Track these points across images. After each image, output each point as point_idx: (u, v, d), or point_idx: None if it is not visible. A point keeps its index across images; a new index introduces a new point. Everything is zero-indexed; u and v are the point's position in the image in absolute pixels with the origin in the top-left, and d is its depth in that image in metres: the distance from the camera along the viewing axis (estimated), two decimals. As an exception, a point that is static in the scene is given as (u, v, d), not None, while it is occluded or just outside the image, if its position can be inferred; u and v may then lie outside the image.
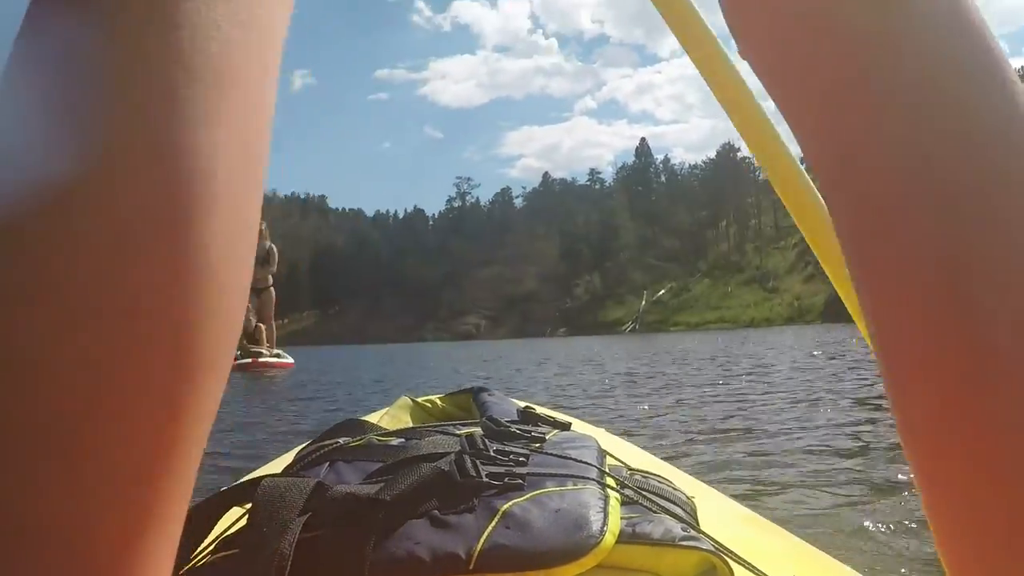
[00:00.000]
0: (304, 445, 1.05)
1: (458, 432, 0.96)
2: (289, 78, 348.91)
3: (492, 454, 0.89)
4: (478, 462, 0.85)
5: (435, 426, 1.06)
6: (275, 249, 18.60)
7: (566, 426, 1.10)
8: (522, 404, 1.37)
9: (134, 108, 0.43)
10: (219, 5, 0.46)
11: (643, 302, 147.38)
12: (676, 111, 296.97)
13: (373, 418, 1.39)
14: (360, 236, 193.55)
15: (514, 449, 0.92)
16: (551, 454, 0.92)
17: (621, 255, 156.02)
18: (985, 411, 0.43)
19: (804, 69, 0.50)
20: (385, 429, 1.07)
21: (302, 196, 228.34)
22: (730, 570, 0.81)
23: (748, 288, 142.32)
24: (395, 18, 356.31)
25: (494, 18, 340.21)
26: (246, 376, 14.68)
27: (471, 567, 0.74)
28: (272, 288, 19.14)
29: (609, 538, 0.77)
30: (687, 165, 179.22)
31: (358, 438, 0.98)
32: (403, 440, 0.97)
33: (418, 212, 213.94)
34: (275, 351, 18.63)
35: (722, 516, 1.20)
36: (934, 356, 0.45)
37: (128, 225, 0.42)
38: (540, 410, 1.21)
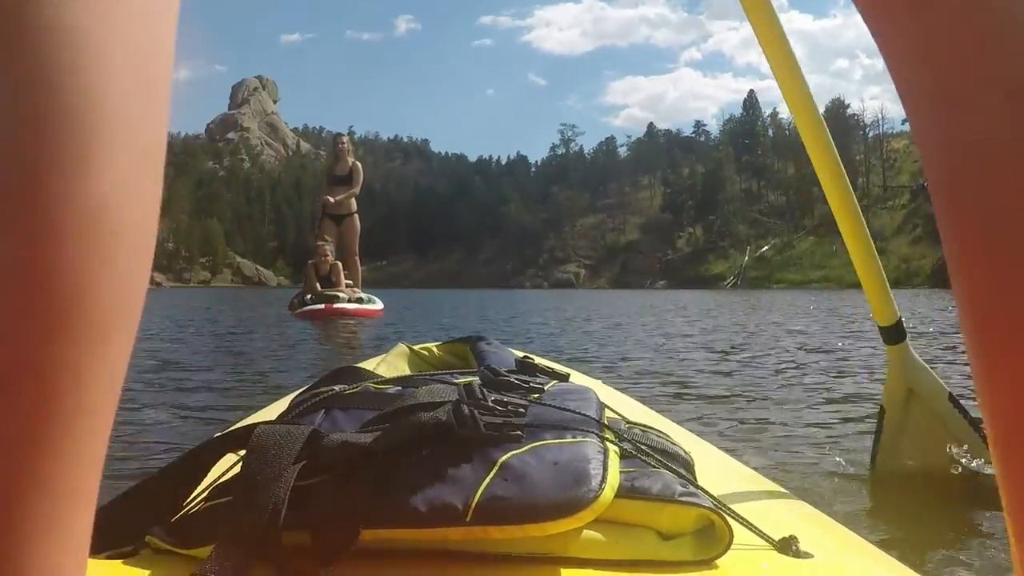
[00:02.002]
0: (299, 392, 1.04)
1: (456, 381, 0.94)
2: (393, 22, 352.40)
3: (490, 404, 0.87)
4: (476, 412, 0.83)
5: (433, 375, 1.05)
6: (359, 167, 15.50)
7: (564, 377, 1.08)
8: (520, 354, 1.35)
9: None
10: None
11: (746, 257, 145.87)
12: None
13: (370, 365, 1.39)
14: (462, 181, 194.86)
15: (512, 399, 0.90)
16: (550, 405, 0.90)
17: (725, 208, 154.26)
18: None
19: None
20: (382, 377, 1.05)
21: (404, 139, 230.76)
22: (728, 526, 0.79)
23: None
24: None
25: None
26: (316, 326, 11.43)
27: (468, 518, 0.73)
28: (356, 215, 15.40)
29: (608, 492, 0.76)
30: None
31: (354, 386, 0.97)
32: (400, 388, 0.95)
33: (521, 159, 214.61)
34: (358, 294, 14.73)
35: (721, 472, 1.18)
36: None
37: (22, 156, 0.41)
38: (538, 360, 1.19)
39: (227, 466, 0.84)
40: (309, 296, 14.15)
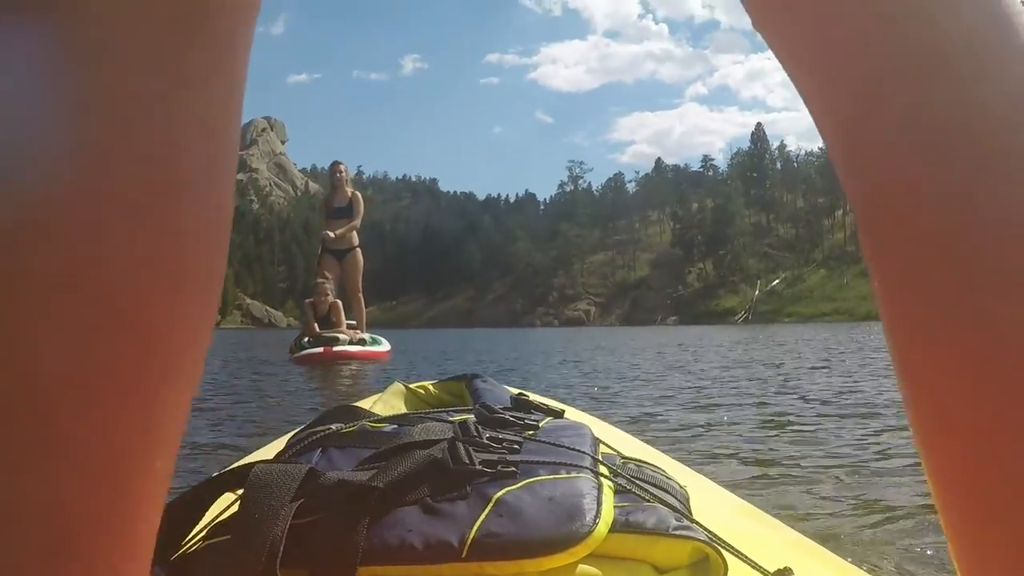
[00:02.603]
0: (296, 431, 1.06)
1: (451, 419, 0.95)
2: (400, 62, 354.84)
3: (485, 441, 0.88)
4: (471, 449, 0.84)
5: (428, 413, 1.06)
6: (359, 197, 13.87)
7: (559, 414, 1.09)
8: (515, 391, 1.36)
9: (97, 103, 0.42)
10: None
11: (756, 291, 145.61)
12: (787, 98, 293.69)
13: (366, 404, 1.40)
14: (470, 219, 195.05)
15: (507, 436, 0.91)
16: (544, 442, 0.91)
17: (735, 242, 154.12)
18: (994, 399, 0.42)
19: (814, 36, 0.48)
20: (378, 415, 1.06)
21: (413, 179, 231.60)
22: (723, 560, 0.80)
23: (865, 280, 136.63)
24: (505, 2, 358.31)
25: (604, 3, 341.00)
26: (315, 372, 9.98)
27: (463, 555, 0.73)
28: (358, 250, 13.84)
29: (602, 527, 0.76)
30: (803, 151, 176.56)
31: (351, 424, 0.98)
32: (396, 427, 0.96)
33: (529, 196, 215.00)
34: (361, 335, 13.17)
35: (716, 506, 1.18)
36: (942, 341, 0.44)
37: (99, 216, 0.42)
38: (533, 397, 1.20)
39: (225, 505, 0.85)
40: (307, 339, 12.69)
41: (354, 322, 13.62)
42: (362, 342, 12.91)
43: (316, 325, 12.83)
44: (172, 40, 0.44)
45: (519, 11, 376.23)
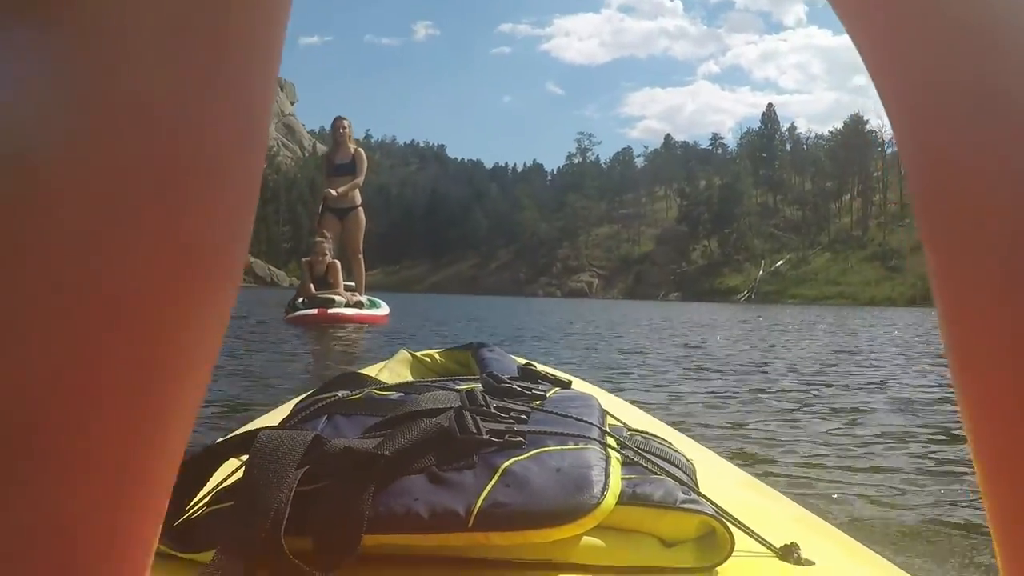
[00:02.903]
0: (302, 397, 1.05)
1: (458, 388, 0.95)
2: (412, 27, 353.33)
3: (492, 411, 0.87)
4: (478, 418, 0.84)
5: (435, 381, 1.05)
6: (363, 154, 13.24)
7: (567, 384, 1.09)
8: (522, 361, 1.35)
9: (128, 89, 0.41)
10: None
11: (760, 271, 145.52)
12: (800, 81, 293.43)
13: (372, 371, 1.40)
14: (477, 187, 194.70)
15: (515, 406, 0.90)
16: (552, 412, 0.90)
17: (741, 222, 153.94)
18: None
19: (888, 7, 0.47)
20: (384, 383, 1.05)
21: (421, 144, 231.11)
22: (730, 533, 0.80)
23: (869, 265, 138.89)
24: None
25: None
26: (308, 334, 9.54)
27: (470, 524, 0.73)
28: (360, 209, 13.17)
29: (610, 499, 0.76)
30: (813, 134, 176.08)
31: (357, 392, 0.97)
32: (402, 395, 0.96)
33: (537, 166, 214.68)
34: (358, 298, 12.56)
35: (723, 480, 1.18)
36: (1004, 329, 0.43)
37: (108, 199, 0.41)
38: (540, 367, 1.19)
39: (229, 471, 0.84)
40: (301, 300, 12.12)
41: (353, 284, 13.14)
42: (359, 305, 12.36)
43: (312, 286, 12.22)
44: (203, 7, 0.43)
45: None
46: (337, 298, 11.97)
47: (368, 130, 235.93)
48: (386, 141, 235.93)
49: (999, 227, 0.43)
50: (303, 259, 12.96)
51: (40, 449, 0.40)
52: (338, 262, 12.58)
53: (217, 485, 0.83)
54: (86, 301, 0.40)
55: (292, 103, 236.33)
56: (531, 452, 0.80)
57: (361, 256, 13.39)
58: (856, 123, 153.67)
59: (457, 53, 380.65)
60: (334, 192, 12.76)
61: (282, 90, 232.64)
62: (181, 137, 0.42)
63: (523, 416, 0.88)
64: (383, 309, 13.09)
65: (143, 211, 0.41)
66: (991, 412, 0.45)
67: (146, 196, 0.41)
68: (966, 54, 0.44)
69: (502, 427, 0.83)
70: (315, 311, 11.37)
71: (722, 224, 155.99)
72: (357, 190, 13.10)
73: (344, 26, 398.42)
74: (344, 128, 13.30)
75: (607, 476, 0.78)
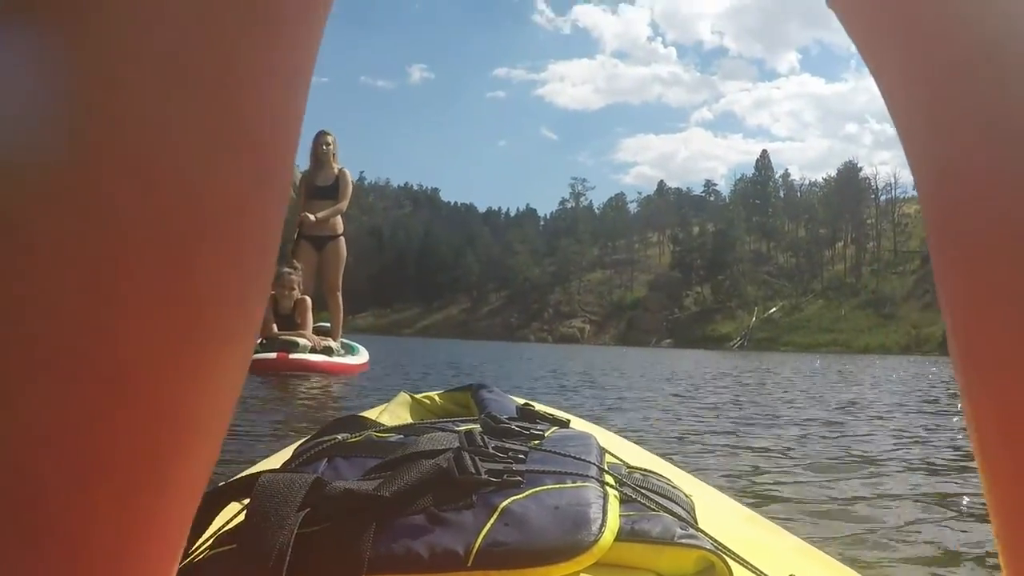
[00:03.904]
0: (303, 441, 1.06)
1: (457, 429, 0.96)
2: (407, 70, 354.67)
3: (491, 451, 0.88)
4: (477, 459, 0.85)
5: (434, 423, 1.06)
6: (348, 175, 11.46)
7: (565, 423, 1.10)
8: (521, 401, 1.37)
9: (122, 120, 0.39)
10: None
11: (753, 318, 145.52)
12: (793, 128, 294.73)
13: (372, 414, 1.41)
14: (470, 231, 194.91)
15: (513, 446, 0.91)
16: (550, 451, 0.92)
17: (734, 268, 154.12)
18: None
19: (898, 18, 0.48)
20: (384, 425, 1.07)
21: (415, 187, 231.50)
22: (728, 568, 0.81)
23: (863, 312, 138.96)
24: (516, 17, 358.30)
25: (614, 23, 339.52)
26: (264, 382, 7.99)
27: (469, 564, 0.74)
28: (342, 240, 11.45)
29: (608, 536, 0.77)
30: (807, 181, 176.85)
31: (357, 434, 0.99)
32: (402, 437, 0.97)
33: (530, 211, 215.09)
34: (328, 343, 10.57)
35: (721, 514, 1.18)
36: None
37: (109, 253, 0.39)
38: (539, 407, 1.20)
39: (231, 514, 0.85)
40: (260, 340, 9.66)
41: (328, 325, 11.40)
42: (327, 351, 10.41)
43: (275, 325, 10.22)
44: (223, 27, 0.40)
45: (529, 27, 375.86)
46: (302, 341, 10.09)
47: (362, 172, 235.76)
48: (379, 183, 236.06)
49: (1010, 232, 0.43)
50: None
51: (42, 520, 0.39)
52: (308, 299, 10.73)
53: (220, 528, 0.83)
54: (90, 366, 0.38)
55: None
56: (529, 491, 0.81)
57: (339, 294, 11.49)
58: (849, 170, 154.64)
59: (452, 96, 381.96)
60: (312, 217, 11.05)
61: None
62: (190, 188, 0.40)
63: (521, 456, 0.89)
64: (360, 356, 11.42)
65: (149, 268, 0.39)
66: (999, 423, 0.46)
67: (151, 252, 0.39)
68: (979, 71, 0.45)
69: (500, 467, 0.84)
70: (274, 355, 9.50)
71: (715, 271, 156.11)
72: (339, 217, 11.50)
73: (339, 67, 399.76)
74: (328, 145, 11.40)
75: (605, 513, 0.79)
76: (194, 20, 0.39)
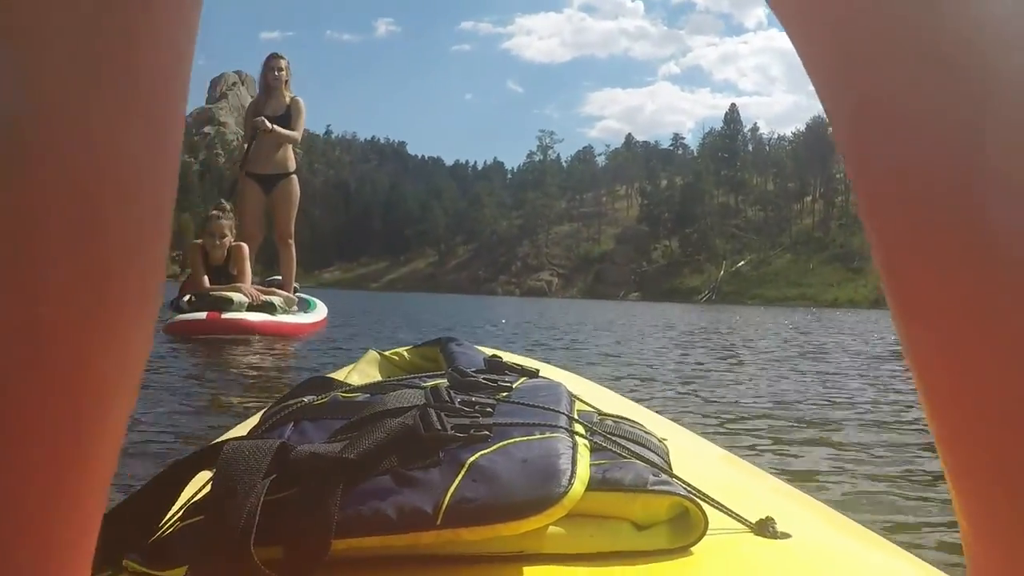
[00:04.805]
0: (270, 405, 1.04)
1: (424, 384, 0.94)
2: (373, 24, 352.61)
3: (457, 406, 0.87)
4: (443, 415, 0.83)
5: (401, 380, 1.05)
6: (301, 104, 9.74)
7: (534, 373, 1.09)
8: (489, 352, 1.36)
9: (37, 103, 0.39)
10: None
11: (721, 272, 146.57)
12: (759, 83, 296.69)
13: (341, 374, 1.40)
14: (437, 184, 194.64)
15: (480, 400, 0.90)
16: (518, 403, 0.91)
17: (703, 222, 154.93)
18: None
19: (826, 16, 0.48)
20: (351, 385, 1.05)
21: (381, 140, 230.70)
22: (703, 512, 0.80)
23: (831, 267, 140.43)
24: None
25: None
26: (193, 348, 6.86)
27: (438, 522, 0.73)
28: (295, 178, 9.74)
29: (578, 486, 0.75)
30: (775, 135, 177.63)
31: (323, 396, 0.97)
32: (369, 396, 0.95)
33: (497, 164, 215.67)
34: (269, 298, 8.74)
35: (697, 457, 1.19)
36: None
37: (26, 223, 0.40)
38: (508, 357, 1.20)
39: (200, 485, 0.83)
40: (188, 298, 8.36)
41: (279, 278, 9.72)
42: (268, 308, 8.58)
43: (206, 278, 8.56)
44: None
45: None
46: (236, 297, 8.30)
47: (328, 125, 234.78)
48: (346, 137, 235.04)
49: (943, 213, 0.44)
50: (193, 241, 9.16)
51: None
52: (244, 245, 8.85)
53: (188, 500, 0.82)
54: (5, 330, 0.39)
55: (252, 97, 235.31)
56: (497, 445, 0.80)
57: (292, 241, 9.68)
58: (819, 125, 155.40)
59: (418, 50, 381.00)
60: (268, 126, 9.33)
61: (243, 84, 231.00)
62: (96, 150, 0.40)
63: (488, 409, 0.88)
64: (315, 314, 9.83)
65: (59, 230, 0.39)
66: (950, 399, 0.46)
67: (62, 214, 0.39)
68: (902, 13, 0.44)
69: (467, 422, 0.83)
70: (203, 315, 7.92)
71: (683, 224, 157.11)
72: (291, 152, 9.80)
73: (305, 22, 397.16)
74: (280, 70, 9.78)
75: (574, 464, 0.78)
76: None
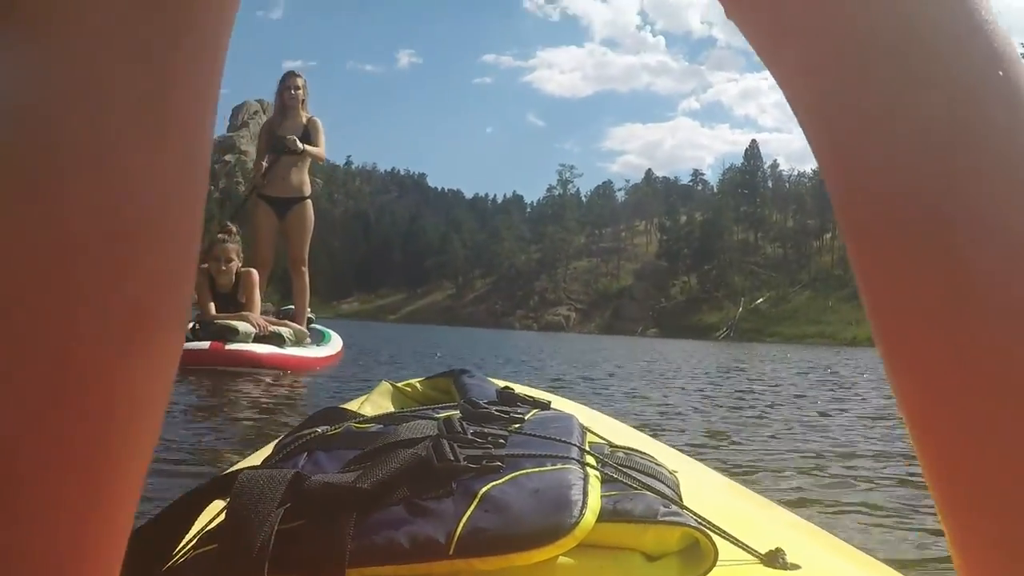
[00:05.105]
0: (283, 435, 1.05)
1: (437, 416, 0.95)
2: (395, 55, 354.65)
3: (470, 437, 0.88)
4: (456, 445, 0.84)
5: (414, 411, 1.06)
6: (319, 124, 9.17)
7: (546, 405, 1.10)
8: (502, 384, 1.36)
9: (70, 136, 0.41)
10: (145, 21, 0.43)
11: (740, 309, 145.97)
12: (779, 119, 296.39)
13: (354, 405, 1.41)
14: (456, 217, 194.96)
15: (492, 431, 0.91)
16: (530, 434, 0.91)
17: (722, 258, 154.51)
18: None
19: (787, 22, 0.49)
20: (365, 416, 1.06)
21: (401, 172, 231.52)
22: (713, 544, 0.80)
23: (850, 304, 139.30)
24: (505, 3, 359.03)
25: (603, 11, 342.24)
26: (196, 382, 6.19)
27: (451, 551, 0.73)
28: (310, 204, 9.23)
29: (589, 517, 0.76)
30: (795, 172, 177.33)
31: (336, 426, 0.98)
32: (382, 426, 0.96)
33: (516, 198, 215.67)
34: (279, 328, 8.13)
35: (707, 489, 1.19)
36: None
37: (56, 252, 0.41)
38: (519, 389, 1.20)
39: (214, 514, 0.84)
40: (192, 326, 7.56)
41: (291, 307, 9.15)
42: (276, 339, 7.97)
43: (212, 305, 7.92)
44: (148, 45, 0.43)
45: (518, 13, 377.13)
46: (242, 326, 7.66)
47: (349, 156, 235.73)
48: (366, 168, 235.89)
49: (916, 219, 0.44)
50: (200, 266, 7.18)
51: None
52: (254, 271, 8.27)
53: (202, 529, 0.82)
54: (34, 361, 0.40)
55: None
56: (509, 476, 0.81)
57: (305, 269, 9.09)
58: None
59: (440, 82, 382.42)
60: (299, 145, 8.82)
61: (264, 112, 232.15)
62: (130, 185, 0.42)
63: (501, 440, 0.89)
64: (328, 347, 9.15)
65: (93, 266, 0.41)
66: (927, 416, 0.47)
67: (95, 249, 0.41)
68: (880, 62, 0.46)
69: (480, 453, 0.84)
70: (207, 345, 7.32)
71: (702, 260, 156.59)
72: (307, 176, 9.22)
73: (328, 52, 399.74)
74: (297, 89, 9.18)
75: (586, 495, 0.78)
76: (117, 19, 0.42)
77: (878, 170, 0.45)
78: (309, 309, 9.20)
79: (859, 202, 0.47)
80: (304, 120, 9.07)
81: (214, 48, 0.47)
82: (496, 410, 1.00)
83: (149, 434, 0.47)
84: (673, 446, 1.62)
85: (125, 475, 0.46)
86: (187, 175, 0.45)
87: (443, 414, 0.96)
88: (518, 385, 1.26)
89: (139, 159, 0.42)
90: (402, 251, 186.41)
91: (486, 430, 0.91)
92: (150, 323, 0.44)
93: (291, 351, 8.04)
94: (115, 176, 0.41)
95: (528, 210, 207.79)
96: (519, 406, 1.07)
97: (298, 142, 8.73)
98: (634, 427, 1.72)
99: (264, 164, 9.03)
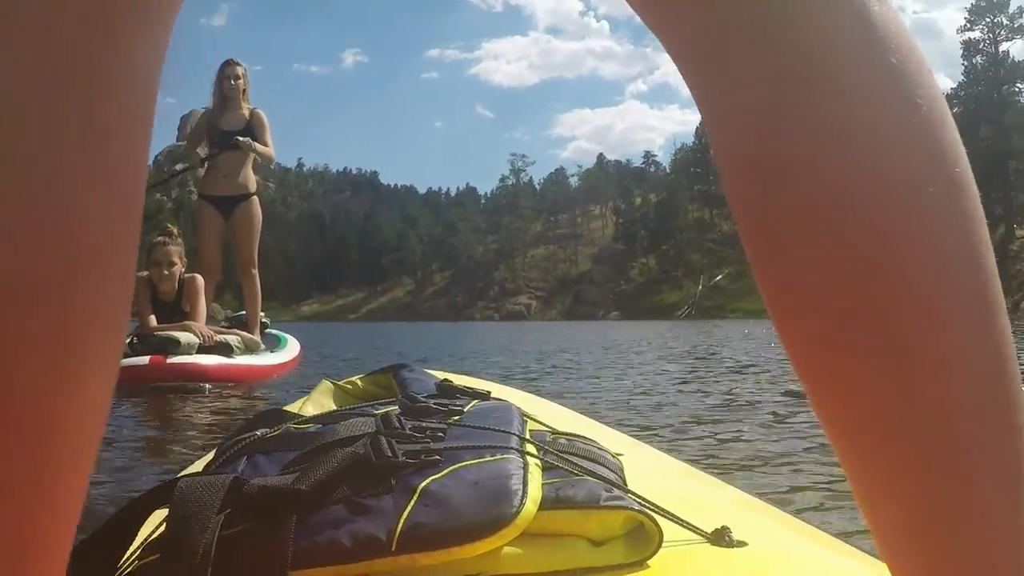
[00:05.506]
0: (223, 440, 1.04)
1: (375, 412, 0.95)
2: (340, 55, 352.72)
3: (408, 432, 0.88)
4: (394, 441, 0.84)
5: (353, 409, 1.06)
6: (263, 117, 8.40)
7: (485, 395, 1.10)
8: (441, 376, 1.36)
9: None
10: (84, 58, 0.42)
11: (700, 286, 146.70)
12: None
13: (295, 406, 1.41)
14: (411, 213, 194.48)
15: (431, 424, 0.91)
16: (469, 426, 0.91)
17: (678, 237, 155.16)
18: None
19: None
20: (304, 416, 1.05)
21: (354, 171, 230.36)
22: (657, 526, 0.81)
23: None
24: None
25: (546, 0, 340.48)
26: (133, 402, 5.49)
27: (393, 548, 0.73)
28: (256, 201, 8.48)
29: (530, 506, 0.77)
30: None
31: (276, 428, 0.98)
32: (320, 426, 0.96)
33: (470, 190, 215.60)
34: (224, 337, 7.39)
35: (654, 471, 1.19)
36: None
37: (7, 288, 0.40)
38: (459, 381, 1.21)
39: (157, 523, 0.83)
40: (130, 340, 6.80)
41: (241, 313, 8.60)
42: (223, 349, 7.27)
43: (154, 316, 7.16)
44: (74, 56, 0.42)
45: (460, 6, 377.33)
46: (184, 337, 6.88)
47: (300, 158, 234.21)
48: (318, 169, 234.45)
49: (800, 213, 0.49)
50: (139, 273, 7.02)
51: None
52: (198, 277, 7.52)
53: (146, 538, 0.82)
54: None
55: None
56: (448, 469, 0.81)
57: (255, 271, 8.42)
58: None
59: (386, 80, 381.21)
60: (251, 143, 8.15)
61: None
62: (71, 217, 0.41)
63: (440, 434, 0.88)
64: (284, 353, 8.52)
65: (35, 300, 0.40)
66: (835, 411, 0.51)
67: (38, 283, 0.40)
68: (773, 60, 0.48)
69: (418, 447, 0.84)
70: (146, 360, 6.53)
71: (659, 240, 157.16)
72: (251, 172, 8.46)
73: (272, 55, 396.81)
74: (237, 78, 8.39)
75: (525, 484, 0.79)
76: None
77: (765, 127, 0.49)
78: (263, 314, 8.65)
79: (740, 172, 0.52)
80: (246, 112, 8.36)
81: (150, 58, 0.47)
82: (435, 403, 1.00)
83: (86, 455, 0.46)
84: (624, 429, 1.62)
85: (59, 500, 0.45)
86: (121, 216, 0.45)
87: (382, 410, 0.96)
88: (457, 376, 1.25)
89: (73, 184, 0.42)
90: (359, 250, 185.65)
91: (424, 424, 0.91)
92: (85, 344, 0.43)
93: (240, 360, 7.40)
94: (55, 209, 0.41)
95: (483, 201, 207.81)
96: (458, 398, 1.07)
97: (252, 143, 8.10)
98: (583, 413, 1.71)
99: (202, 156, 8.42)
